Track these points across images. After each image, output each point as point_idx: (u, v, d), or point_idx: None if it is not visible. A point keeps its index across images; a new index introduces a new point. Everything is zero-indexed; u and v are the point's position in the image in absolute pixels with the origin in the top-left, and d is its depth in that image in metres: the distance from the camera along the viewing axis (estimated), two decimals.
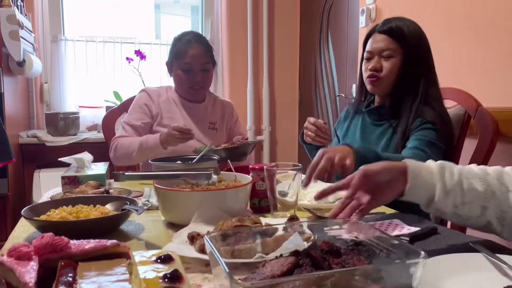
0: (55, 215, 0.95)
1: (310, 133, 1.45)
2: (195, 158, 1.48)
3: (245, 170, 1.28)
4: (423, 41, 1.44)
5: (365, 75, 1.48)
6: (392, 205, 1.06)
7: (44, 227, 0.90)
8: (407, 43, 1.40)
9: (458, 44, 1.88)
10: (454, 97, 1.55)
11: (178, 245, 0.83)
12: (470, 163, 1.42)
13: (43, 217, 0.95)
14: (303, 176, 1.20)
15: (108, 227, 0.96)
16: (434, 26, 2.01)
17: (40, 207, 1.01)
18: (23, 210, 0.95)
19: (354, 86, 2.82)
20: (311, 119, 1.45)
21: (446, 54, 1.91)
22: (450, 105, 1.56)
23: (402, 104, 1.42)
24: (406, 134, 1.38)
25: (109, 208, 1.02)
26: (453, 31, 1.92)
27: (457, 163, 1.48)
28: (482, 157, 1.41)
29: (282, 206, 1.07)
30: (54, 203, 1.04)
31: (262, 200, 1.16)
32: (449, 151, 1.39)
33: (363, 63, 1.49)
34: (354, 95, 2.81)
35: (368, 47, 1.47)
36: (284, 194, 1.06)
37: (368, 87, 1.48)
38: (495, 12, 1.70)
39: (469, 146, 1.49)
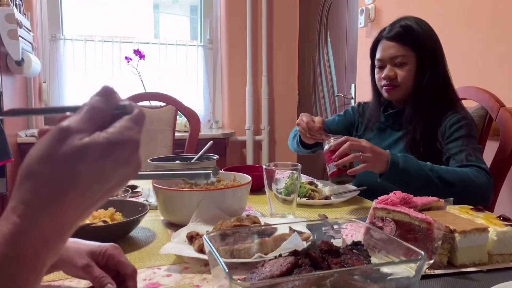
0: None
1: (302, 130, 1.35)
2: (194, 157, 1.48)
3: (244, 170, 1.28)
4: (435, 38, 1.37)
5: (379, 84, 1.43)
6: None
7: None
8: (419, 44, 1.34)
9: (477, 41, 1.82)
10: (475, 97, 1.49)
11: (177, 245, 0.83)
12: (492, 165, 1.38)
13: None
14: (303, 176, 1.20)
15: (121, 232, 0.94)
16: (444, 24, 1.98)
17: None
18: None
19: (353, 86, 2.82)
20: (305, 118, 1.33)
21: (464, 52, 1.85)
22: (471, 105, 1.51)
23: (421, 109, 1.35)
24: (418, 139, 1.33)
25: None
26: (469, 28, 1.86)
27: None
28: (504, 160, 1.36)
29: (281, 203, 1.07)
30: None
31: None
32: None
33: (376, 71, 1.43)
34: (353, 95, 2.81)
35: (378, 55, 1.40)
36: (280, 192, 1.06)
37: (385, 95, 1.42)
38: None
39: (490, 148, 1.44)
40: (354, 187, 1.35)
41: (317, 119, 1.33)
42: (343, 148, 1.13)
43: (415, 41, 1.34)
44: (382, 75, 1.39)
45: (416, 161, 1.16)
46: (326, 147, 1.19)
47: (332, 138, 1.19)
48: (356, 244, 0.67)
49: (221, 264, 0.54)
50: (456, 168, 1.20)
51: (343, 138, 1.15)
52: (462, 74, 1.90)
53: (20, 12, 2.47)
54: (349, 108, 1.65)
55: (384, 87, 1.40)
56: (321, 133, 1.29)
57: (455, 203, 0.94)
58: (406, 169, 1.13)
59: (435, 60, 1.35)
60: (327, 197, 1.28)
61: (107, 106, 0.40)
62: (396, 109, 1.45)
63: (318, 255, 0.61)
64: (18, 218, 0.35)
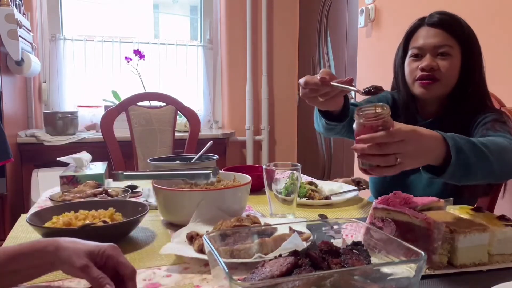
0: (62, 220, 0.91)
1: (307, 95, 0.93)
2: (194, 157, 1.48)
3: (244, 170, 1.28)
4: (476, 38, 1.19)
5: (411, 76, 1.21)
6: None
7: (50, 234, 0.84)
8: (465, 37, 1.16)
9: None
10: None
11: (177, 245, 0.83)
12: None
13: (48, 224, 0.91)
14: (303, 176, 1.20)
15: (121, 232, 0.93)
16: None
17: (44, 212, 0.97)
18: (27, 217, 0.90)
19: None
20: (301, 81, 0.91)
21: None
22: None
23: (460, 120, 1.15)
24: None
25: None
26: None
27: None
28: None
29: (281, 204, 1.07)
30: (56, 208, 1.00)
31: None
32: None
33: (408, 62, 1.22)
34: (353, 95, 2.81)
35: (416, 43, 1.19)
36: (280, 192, 1.06)
37: (419, 90, 1.19)
38: None
39: None
40: (354, 187, 1.35)
41: (321, 71, 0.91)
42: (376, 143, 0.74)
43: (462, 33, 1.16)
44: (422, 65, 1.16)
45: (468, 140, 0.85)
46: (356, 122, 0.79)
47: (363, 108, 0.76)
48: (356, 244, 0.67)
49: (221, 264, 0.54)
50: (489, 138, 0.96)
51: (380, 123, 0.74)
52: None
53: (20, 12, 2.47)
54: (384, 93, 1.32)
55: (419, 81, 1.18)
56: (329, 85, 0.88)
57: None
58: (468, 157, 0.82)
59: (480, 61, 1.18)
60: (327, 197, 1.28)
61: None
62: (425, 121, 1.22)
63: (318, 255, 0.61)
64: None
